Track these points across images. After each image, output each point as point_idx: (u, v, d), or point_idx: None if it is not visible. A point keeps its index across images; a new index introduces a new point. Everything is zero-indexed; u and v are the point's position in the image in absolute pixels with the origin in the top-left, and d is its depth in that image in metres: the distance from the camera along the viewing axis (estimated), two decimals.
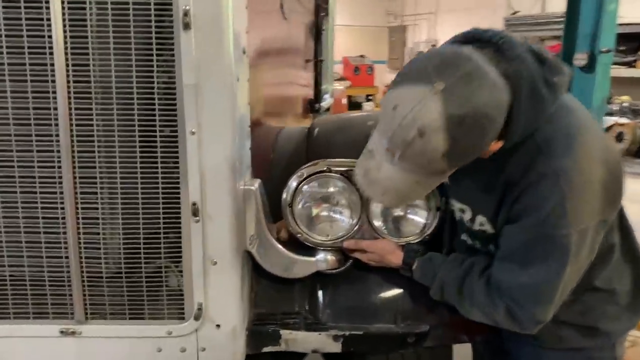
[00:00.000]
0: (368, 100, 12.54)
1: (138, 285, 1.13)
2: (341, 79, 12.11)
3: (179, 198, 1.10)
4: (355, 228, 1.31)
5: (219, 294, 1.15)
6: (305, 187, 1.31)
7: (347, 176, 1.29)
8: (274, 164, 1.59)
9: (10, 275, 1.13)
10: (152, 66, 1.05)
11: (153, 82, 1.05)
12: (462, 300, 1.17)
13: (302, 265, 1.28)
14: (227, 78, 1.08)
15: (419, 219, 1.34)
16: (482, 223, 1.16)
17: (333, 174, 1.30)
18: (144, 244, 1.12)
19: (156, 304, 1.15)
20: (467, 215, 1.20)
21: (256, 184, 1.21)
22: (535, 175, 1.02)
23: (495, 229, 1.13)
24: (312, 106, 2.80)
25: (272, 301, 1.29)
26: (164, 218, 1.11)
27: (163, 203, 1.10)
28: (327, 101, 3.66)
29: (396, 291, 1.31)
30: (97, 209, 1.09)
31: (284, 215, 1.29)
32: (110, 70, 1.04)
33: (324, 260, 1.29)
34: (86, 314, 1.14)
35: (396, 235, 1.33)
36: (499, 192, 1.09)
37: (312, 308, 1.28)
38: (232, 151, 1.11)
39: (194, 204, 1.09)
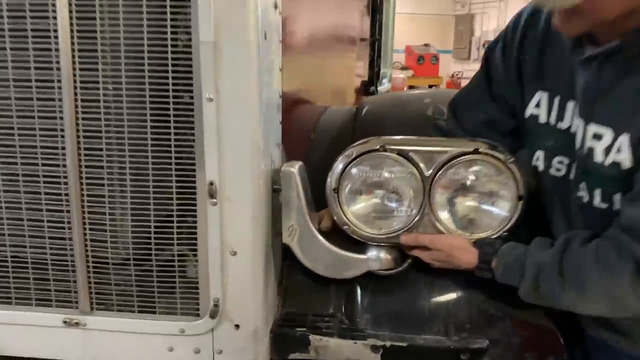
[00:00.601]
0: None
1: (148, 275, 0.99)
2: (404, 68, 11.76)
3: (194, 176, 0.94)
4: (415, 220, 1.08)
5: (239, 289, 0.99)
6: (355, 169, 1.08)
7: (406, 156, 1.06)
8: (314, 146, 1.42)
9: (12, 257, 1.02)
10: (166, 19, 0.89)
11: (166, 39, 0.90)
12: (565, 286, 0.93)
13: (351, 264, 1.08)
14: (252, 35, 0.91)
15: (498, 210, 1.08)
16: (620, 148, 0.89)
17: (389, 154, 1.06)
18: (155, 227, 0.97)
19: (169, 297, 1.00)
20: (605, 142, 0.91)
21: (297, 165, 1.04)
22: None
23: (635, 160, 0.88)
24: (366, 88, 2.61)
25: (304, 300, 1.12)
26: (177, 199, 0.95)
27: (177, 181, 0.95)
28: (384, 86, 3.45)
29: (450, 296, 1.10)
30: (103, 185, 0.96)
31: (328, 203, 1.09)
32: (118, 22, 0.89)
33: (376, 258, 1.08)
34: (91, 304, 1.01)
35: (467, 230, 1.09)
36: None
37: (349, 311, 1.09)
38: (257, 123, 0.94)
39: (211, 183, 0.93)
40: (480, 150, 1.04)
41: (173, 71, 0.91)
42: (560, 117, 1.01)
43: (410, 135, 1.14)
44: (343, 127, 1.50)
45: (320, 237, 1.07)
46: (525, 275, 0.97)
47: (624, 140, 0.89)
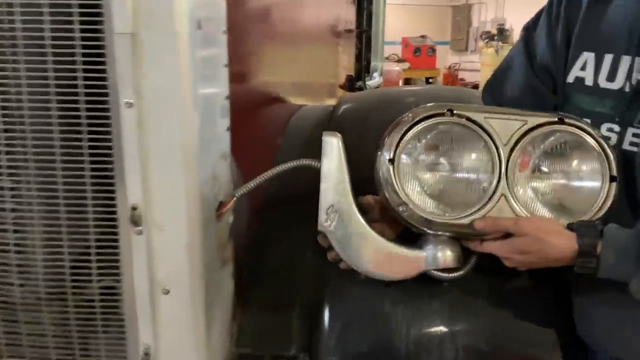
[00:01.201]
0: (428, 83, 11.91)
1: (64, 318, 0.82)
2: (400, 60, 11.56)
3: (114, 199, 0.77)
4: (490, 201, 0.84)
5: (174, 334, 0.82)
6: (416, 137, 0.86)
7: (478, 124, 0.85)
8: (282, 153, 1.25)
9: None
10: (71, 6, 0.72)
11: (73, 30, 0.72)
12: None
13: (404, 262, 0.86)
14: (180, 25, 0.73)
15: (590, 190, 0.86)
16: None
17: (458, 119, 0.85)
18: (71, 262, 0.80)
19: (89, 345, 0.83)
20: None
21: (338, 135, 0.87)
22: None
23: None
24: (352, 84, 2.43)
25: (261, 338, 0.95)
26: (95, 227, 0.78)
27: (93, 206, 0.77)
28: (375, 80, 3.27)
29: (434, 331, 0.93)
30: (3, 209, 0.78)
31: (379, 182, 0.86)
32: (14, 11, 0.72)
33: (435, 255, 0.85)
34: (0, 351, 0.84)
35: (555, 213, 0.86)
36: None
37: (315, 351, 0.92)
38: (191, 132, 0.77)
39: (134, 207, 0.76)
40: (566, 120, 0.85)
41: (85, 71, 0.74)
42: (608, 77, 0.90)
43: None
44: (316, 130, 1.33)
45: (367, 225, 0.86)
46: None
47: None
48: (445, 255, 0.85)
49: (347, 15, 2.38)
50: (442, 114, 0.85)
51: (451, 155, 0.87)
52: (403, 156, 0.85)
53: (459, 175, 0.87)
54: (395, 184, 0.84)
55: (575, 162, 0.87)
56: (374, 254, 0.85)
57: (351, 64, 2.51)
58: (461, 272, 0.87)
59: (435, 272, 0.86)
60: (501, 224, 0.83)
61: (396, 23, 11.57)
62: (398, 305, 0.93)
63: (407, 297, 0.92)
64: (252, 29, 1.15)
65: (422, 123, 0.85)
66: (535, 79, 1.00)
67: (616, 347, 0.91)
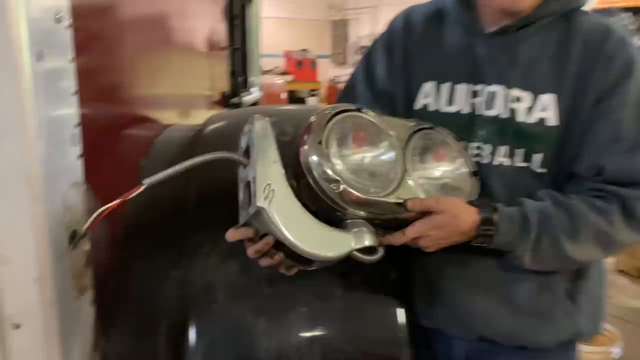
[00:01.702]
0: (312, 95, 12.25)
1: None
2: (283, 73, 11.77)
3: None
4: (401, 183, 0.92)
5: None
6: (339, 123, 0.91)
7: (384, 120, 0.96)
8: (146, 174, 1.24)
9: None
10: None
11: None
12: (567, 231, 0.93)
13: (335, 241, 0.85)
14: (21, 56, 0.72)
15: (464, 183, 1.00)
16: (545, 107, 0.96)
17: (368, 115, 0.94)
18: None
19: None
20: (525, 104, 0.97)
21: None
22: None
23: (560, 117, 0.96)
24: (227, 100, 2.46)
25: None
26: None
27: None
28: (253, 95, 3.33)
29: (295, 339, 0.99)
30: None
31: (306, 165, 0.86)
32: None
33: (361, 234, 0.87)
34: None
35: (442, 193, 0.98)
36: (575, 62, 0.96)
37: None
38: (35, 163, 0.76)
39: None
40: (435, 127, 1.02)
41: None
42: (448, 101, 1.05)
43: None
44: (183, 148, 1.34)
45: (300, 204, 0.86)
46: (530, 227, 0.93)
47: (550, 99, 0.96)
48: (369, 233, 0.88)
49: (220, 32, 2.41)
50: (354, 110, 0.93)
51: (365, 144, 0.94)
52: (331, 138, 0.89)
53: (375, 160, 0.94)
54: (326, 163, 0.86)
55: (447, 157, 1.01)
56: (310, 232, 0.84)
57: (225, 81, 2.55)
58: (379, 255, 0.89)
59: (360, 255, 0.87)
60: (425, 202, 0.92)
61: (279, 36, 11.79)
62: (259, 318, 0.98)
63: (267, 308, 0.98)
64: (110, 51, 1.15)
65: (339, 115, 0.91)
66: (375, 105, 1.10)
67: (483, 328, 1.04)
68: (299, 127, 1.29)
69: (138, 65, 1.34)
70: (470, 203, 0.95)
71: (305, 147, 0.87)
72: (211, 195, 1.17)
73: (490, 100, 1.00)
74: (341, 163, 0.88)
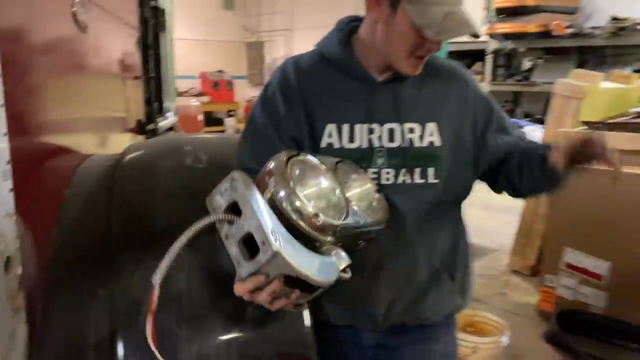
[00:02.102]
0: (230, 115, 12.31)
1: None
2: (200, 94, 11.76)
3: None
4: (348, 208, 1.06)
5: None
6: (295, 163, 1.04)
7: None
8: (68, 206, 1.33)
9: None
10: None
11: None
12: None
13: (329, 266, 0.96)
14: None
15: (380, 199, 1.20)
16: (431, 133, 1.22)
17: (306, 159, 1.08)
18: None
19: None
20: (417, 133, 1.21)
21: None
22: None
23: (442, 138, 1.22)
24: (142, 128, 2.55)
25: None
26: None
27: None
28: (168, 120, 3.41)
29: (229, 337, 1.13)
30: None
31: (284, 209, 0.96)
32: None
33: (341, 255, 0.98)
34: None
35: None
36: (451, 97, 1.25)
37: None
38: None
39: None
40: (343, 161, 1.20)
41: None
42: (349, 139, 1.21)
43: (182, 182, 1.24)
44: (103, 178, 1.44)
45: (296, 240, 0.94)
46: None
47: (433, 126, 1.22)
48: (344, 254, 1.00)
49: (134, 62, 2.50)
50: (296, 155, 1.07)
51: (317, 181, 1.07)
52: (294, 175, 1.02)
53: (329, 194, 1.07)
54: (303, 204, 0.97)
55: (362, 182, 1.17)
56: (313, 263, 0.93)
57: (142, 108, 2.63)
58: (349, 273, 1.00)
59: (342, 274, 0.98)
60: None
61: (194, 58, 11.78)
62: (181, 326, 1.11)
63: (188, 317, 1.11)
64: (31, 91, 1.24)
65: (290, 160, 1.04)
66: (283, 146, 1.21)
67: (394, 317, 1.23)
68: (213, 155, 1.45)
69: (58, 99, 1.43)
70: None
71: (282, 192, 0.97)
72: (132, 219, 1.28)
73: (390, 135, 1.21)
74: (310, 201, 1.00)
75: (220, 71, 12.66)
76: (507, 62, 7.60)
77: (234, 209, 0.95)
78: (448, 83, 1.27)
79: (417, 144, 1.21)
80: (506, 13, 6.90)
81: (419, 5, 1.08)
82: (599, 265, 3.00)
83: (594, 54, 7.23)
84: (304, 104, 1.22)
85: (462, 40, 7.40)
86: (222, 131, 11.83)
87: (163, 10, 3.28)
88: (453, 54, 4.37)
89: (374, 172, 1.21)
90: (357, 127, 1.21)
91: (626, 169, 2.91)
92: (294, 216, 0.95)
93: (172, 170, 1.40)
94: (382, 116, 1.22)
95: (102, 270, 1.13)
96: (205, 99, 11.65)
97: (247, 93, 13.36)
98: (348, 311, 1.26)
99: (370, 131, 1.21)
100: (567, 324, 3.02)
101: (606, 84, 4.05)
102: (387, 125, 1.21)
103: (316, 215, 0.97)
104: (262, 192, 0.97)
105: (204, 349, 1.11)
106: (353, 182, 1.15)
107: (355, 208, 1.08)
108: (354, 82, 1.23)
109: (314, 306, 1.20)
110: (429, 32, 1.10)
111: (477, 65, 7.72)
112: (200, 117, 8.85)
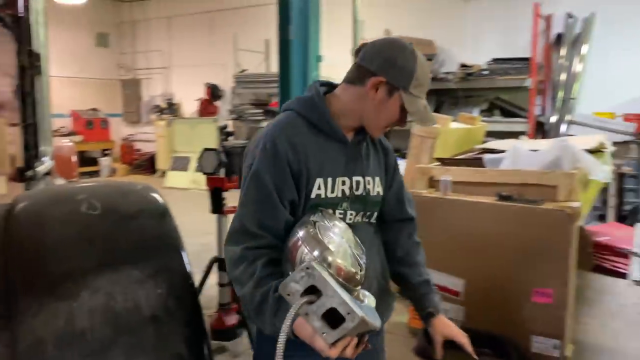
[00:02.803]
0: (105, 155, 11.84)
1: None
2: (71, 133, 11.22)
3: None
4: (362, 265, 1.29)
5: None
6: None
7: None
8: None
9: None
10: None
11: None
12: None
13: (373, 311, 1.24)
14: None
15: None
16: (378, 185, 1.53)
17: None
18: None
19: None
20: (371, 185, 1.51)
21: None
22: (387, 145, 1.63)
23: (382, 190, 1.55)
24: (22, 174, 2.52)
25: None
26: None
27: None
28: (46, 164, 3.36)
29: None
30: None
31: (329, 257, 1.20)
32: None
33: (367, 295, 1.26)
34: None
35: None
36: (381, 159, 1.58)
37: None
38: None
39: None
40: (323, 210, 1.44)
41: None
42: (331, 190, 1.43)
43: (74, 229, 1.28)
44: None
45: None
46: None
47: (378, 179, 1.53)
48: (367, 292, 1.29)
49: (13, 110, 2.49)
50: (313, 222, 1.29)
51: (337, 239, 1.27)
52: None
53: (346, 248, 1.26)
54: (347, 266, 1.22)
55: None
56: (373, 313, 1.22)
57: (20, 156, 2.60)
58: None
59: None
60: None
61: (65, 95, 11.25)
62: None
63: (91, 352, 1.22)
64: None
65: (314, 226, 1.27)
66: (287, 215, 1.38)
67: None
68: (107, 201, 1.57)
69: None
70: None
71: (328, 258, 1.20)
72: (29, 265, 1.36)
73: (356, 186, 1.48)
74: (343, 260, 1.23)
75: (94, 109, 12.21)
76: None
77: (309, 292, 1.15)
78: (383, 149, 1.61)
79: (372, 193, 1.51)
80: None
81: (411, 97, 1.40)
82: (456, 283, 3.45)
83: (448, 95, 8.18)
84: (305, 162, 1.40)
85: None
86: (97, 171, 11.36)
87: (39, 55, 3.26)
88: None
89: (340, 214, 1.45)
90: (338, 180, 1.45)
91: (472, 199, 3.39)
92: (341, 279, 1.19)
93: (67, 217, 1.49)
94: (353, 170, 1.48)
95: (3, 315, 1.20)
96: (78, 138, 11.15)
97: (122, 131, 12.98)
98: None
99: (343, 183, 1.45)
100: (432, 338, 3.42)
101: (455, 125, 4.68)
102: (355, 178, 1.48)
103: (355, 273, 1.22)
104: (295, 260, 1.23)
105: None
106: (334, 227, 1.32)
107: (359, 253, 1.30)
108: (333, 141, 1.46)
109: None
110: (415, 117, 1.42)
111: None
112: (74, 158, 8.48)
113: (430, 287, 1.61)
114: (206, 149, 3.28)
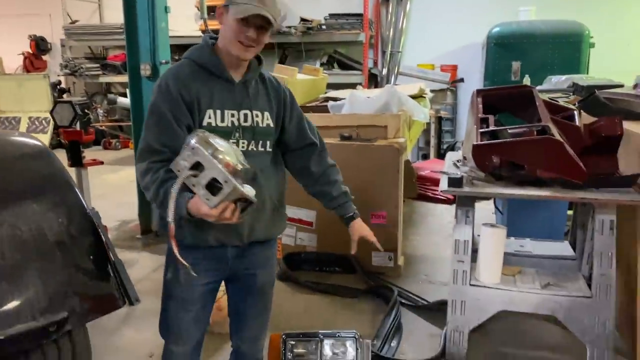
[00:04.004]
0: None
1: None
2: None
3: None
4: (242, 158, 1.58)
5: None
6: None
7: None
8: None
9: None
10: None
11: None
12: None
13: (251, 191, 1.51)
14: None
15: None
16: (268, 117, 1.78)
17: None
18: None
19: None
20: (260, 118, 1.76)
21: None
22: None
23: (273, 122, 1.80)
24: None
25: None
26: None
27: None
28: None
29: (30, 289, 1.41)
30: None
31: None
32: None
33: (248, 187, 1.52)
34: None
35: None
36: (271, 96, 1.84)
37: None
38: None
39: None
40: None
41: None
42: (221, 119, 1.70)
43: None
44: None
45: None
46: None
47: (268, 113, 1.78)
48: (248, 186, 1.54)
49: None
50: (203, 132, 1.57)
51: (223, 144, 1.54)
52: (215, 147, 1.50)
53: (231, 151, 1.56)
54: (227, 158, 1.48)
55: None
56: (248, 189, 1.53)
57: None
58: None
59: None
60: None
61: None
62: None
63: (4, 274, 1.37)
64: None
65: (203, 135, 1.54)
66: (180, 132, 1.63)
67: (254, 235, 1.80)
68: None
69: None
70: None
71: (211, 152, 1.45)
72: None
73: (244, 117, 1.73)
74: (227, 156, 1.48)
75: None
76: None
77: (195, 167, 1.44)
78: (274, 89, 1.85)
79: (260, 124, 1.77)
80: (215, 11, 7.62)
81: (238, 5, 1.62)
82: (309, 215, 3.93)
83: (292, 49, 8.58)
84: (195, 95, 1.68)
85: (181, 35, 7.84)
86: None
87: None
88: (173, 47, 4.79)
89: (234, 142, 1.70)
90: (226, 112, 1.71)
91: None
92: (222, 167, 1.44)
93: None
94: (241, 105, 1.73)
95: None
96: None
97: None
98: (223, 234, 1.71)
99: (232, 115, 1.72)
100: (292, 263, 3.89)
101: (301, 76, 5.08)
102: (243, 111, 1.73)
103: (241, 169, 1.49)
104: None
105: (22, 300, 1.39)
106: (219, 138, 1.58)
107: (243, 159, 1.56)
108: (221, 81, 1.73)
109: (196, 234, 1.67)
110: (241, 14, 1.61)
111: None
112: None
113: (349, 197, 1.96)
114: (59, 101, 3.25)
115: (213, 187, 1.43)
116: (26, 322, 1.33)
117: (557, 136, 2.44)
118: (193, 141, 1.46)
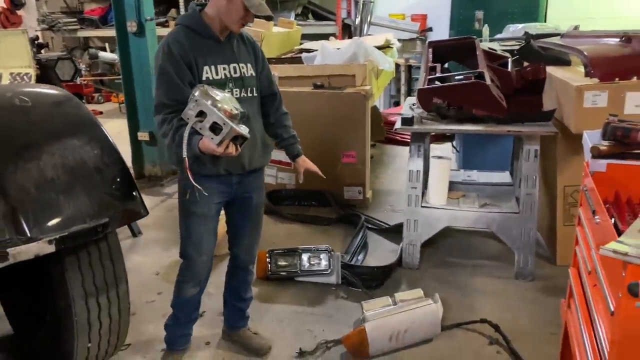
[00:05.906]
0: None
1: None
2: None
3: None
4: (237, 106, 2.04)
5: None
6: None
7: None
8: None
9: None
10: None
11: None
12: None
13: (245, 130, 1.98)
14: None
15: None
16: (250, 69, 2.22)
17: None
18: None
19: None
20: (245, 68, 2.20)
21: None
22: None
23: (254, 72, 2.25)
24: None
25: None
26: None
27: None
28: None
29: (80, 201, 1.88)
30: None
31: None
32: None
33: (243, 127, 1.98)
34: None
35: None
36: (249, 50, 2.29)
37: (20, 229, 1.73)
38: None
39: None
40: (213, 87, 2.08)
41: None
42: (216, 73, 2.13)
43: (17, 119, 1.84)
44: None
45: None
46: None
47: (250, 65, 2.24)
48: (243, 126, 2.00)
49: None
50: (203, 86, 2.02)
51: (222, 94, 2.01)
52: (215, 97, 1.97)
53: (229, 100, 2.03)
54: (225, 105, 1.93)
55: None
56: (243, 129, 2.00)
57: None
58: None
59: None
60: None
61: None
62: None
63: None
64: None
65: (205, 89, 1.99)
66: (185, 88, 2.06)
67: (252, 164, 2.33)
68: (32, 97, 2.09)
69: None
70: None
71: (212, 101, 1.90)
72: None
73: (234, 70, 2.17)
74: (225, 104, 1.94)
75: None
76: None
77: (200, 115, 1.90)
78: (251, 44, 2.30)
79: (246, 74, 2.21)
80: None
81: None
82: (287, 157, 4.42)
83: (266, 0, 8.78)
84: (193, 56, 2.10)
85: None
86: None
87: None
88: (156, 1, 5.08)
89: (228, 91, 2.13)
90: (219, 66, 2.15)
91: (295, 89, 4.30)
92: (221, 113, 1.90)
93: (10, 108, 1.98)
94: (229, 59, 2.18)
95: None
96: None
97: None
98: (230, 165, 2.20)
99: (224, 68, 2.16)
100: (274, 199, 4.41)
101: (276, 29, 5.45)
102: (232, 65, 2.18)
103: (237, 113, 1.94)
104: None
105: (75, 208, 1.87)
106: (217, 90, 2.00)
107: (237, 105, 2.01)
108: (210, 41, 2.15)
109: (211, 167, 2.16)
110: (253, 10, 2.05)
111: (172, 12, 8.55)
112: None
113: (296, 139, 2.45)
114: (61, 58, 3.61)
115: (215, 129, 1.89)
116: (80, 224, 1.80)
117: (488, 80, 2.94)
118: (196, 94, 1.91)
